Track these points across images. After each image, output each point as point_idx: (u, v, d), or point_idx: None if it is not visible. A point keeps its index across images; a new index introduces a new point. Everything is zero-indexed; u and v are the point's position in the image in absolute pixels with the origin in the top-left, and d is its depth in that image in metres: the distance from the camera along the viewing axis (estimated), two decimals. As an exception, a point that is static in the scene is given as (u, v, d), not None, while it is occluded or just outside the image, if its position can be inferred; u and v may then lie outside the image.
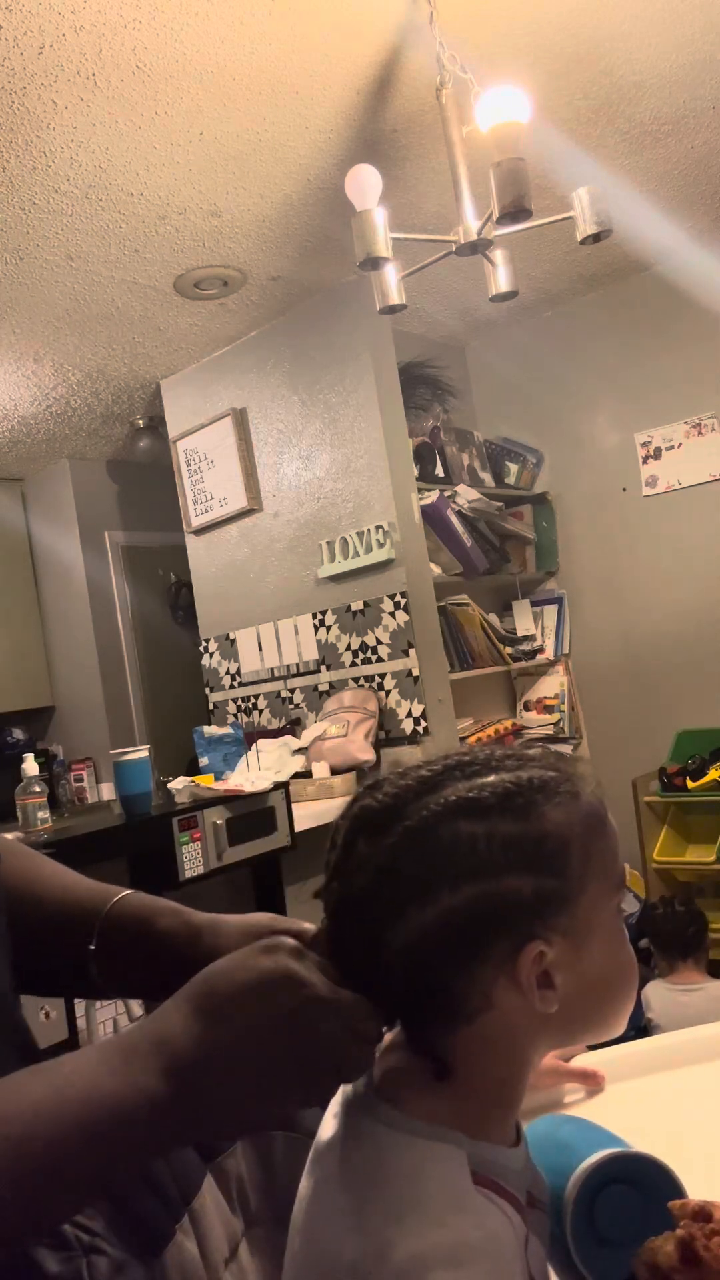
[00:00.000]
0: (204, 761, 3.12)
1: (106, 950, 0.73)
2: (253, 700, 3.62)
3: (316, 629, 3.37)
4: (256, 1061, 0.54)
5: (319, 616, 3.36)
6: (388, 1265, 0.52)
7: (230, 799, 2.39)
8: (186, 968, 0.60)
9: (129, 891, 0.77)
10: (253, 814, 2.41)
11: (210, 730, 3.17)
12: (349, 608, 3.26)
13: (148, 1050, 0.53)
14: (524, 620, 3.81)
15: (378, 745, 3.10)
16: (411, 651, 3.10)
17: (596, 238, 1.84)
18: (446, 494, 3.34)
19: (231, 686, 3.69)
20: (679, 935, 2.79)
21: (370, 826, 0.60)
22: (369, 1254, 0.53)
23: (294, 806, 2.58)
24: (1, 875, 0.75)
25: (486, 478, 3.69)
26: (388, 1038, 0.64)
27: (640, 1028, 2.77)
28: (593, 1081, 0.94)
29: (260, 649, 3.57)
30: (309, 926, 0.68)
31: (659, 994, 2.74)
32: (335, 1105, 0.62)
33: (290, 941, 0.59)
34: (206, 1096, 0.53)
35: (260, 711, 3.59)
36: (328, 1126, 0.62)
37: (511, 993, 0.58)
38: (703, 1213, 0.60)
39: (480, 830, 0.57)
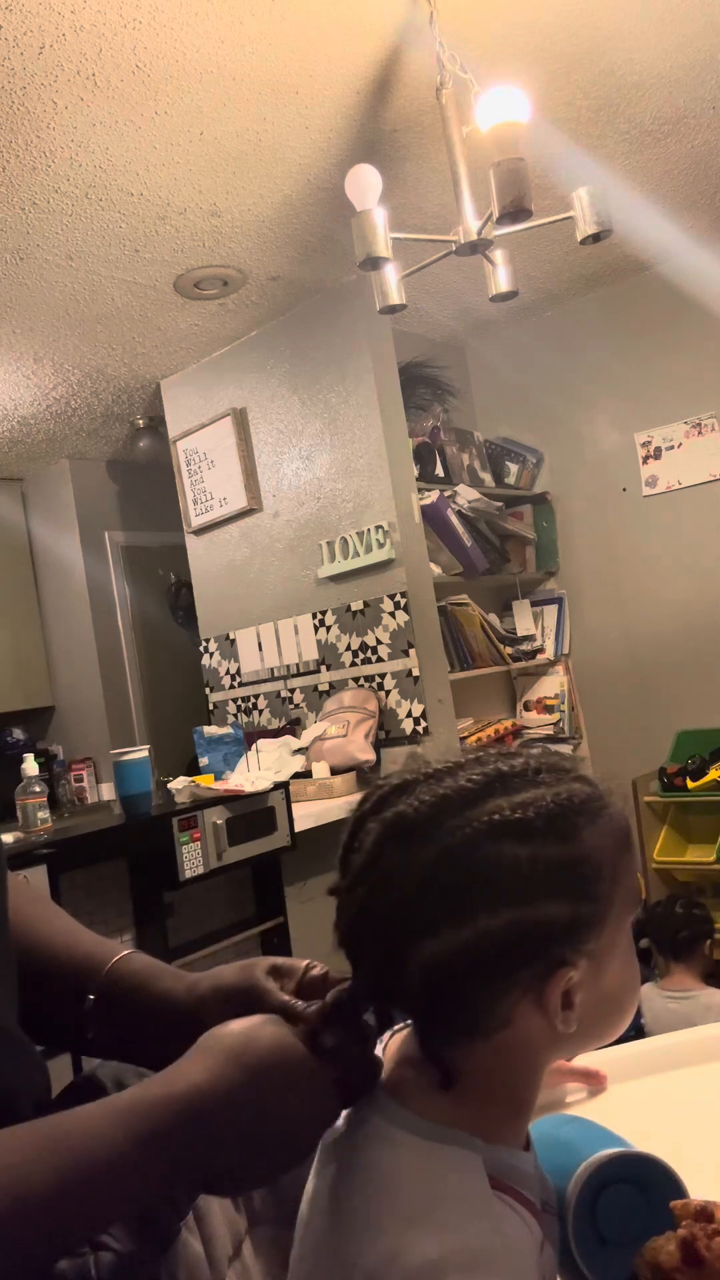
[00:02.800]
0: (204, 761, 3.12)
1: (104, 1007, 0.73)
2: (253, 700, 3.62)
3: (316, 629, 3.37)
4: (265, 1114, 0.57)
5: (319, 616, 3.36)
6: (402, 1269, 0.51)
7: (230, 799, 2.39)
8: (185, 1031, 0.61)
9: (131, 950, 0.76)
10: (253, 814, 2.41)
11: (210, 730, 3.17)
12: (349, 608, 3.27)
13: (162, 1104, 0.56)
14: (524, 620, 3.81)
15: (378, 745, 3.10)
16: (411, 651, 3.10)
17: (596, 238, 1.84)
18: (446, 494, 3.34)
19: (231, 686, 3.69)
20: (669, 937, 2.76)
21: (406, 835, 0.58)
22: (382, 1256, 0.53)
23: (294, 806, 2.58)
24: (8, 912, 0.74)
25: (486, 478, 3.69)
26: (399, 1036, 0.64)
27: (640, 1027, 2.75)
28: (595, 1081, 0.94)
29: (260, 649, 3.57)
30: (301, 964, 0.70)
31: (651, 999, 2.71)
32: None
33: (285, 1021, 0.62)
34: (217, 1144, 0.56)
35: (260, 711, 3.59)
36: (337, 1124, 0.62)
37: (533, 1013, 0.58)
38: (704, 1212, 0.60)
39: (524, 854, 0.56)
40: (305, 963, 0.71)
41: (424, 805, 0.59)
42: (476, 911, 0.55)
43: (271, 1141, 0.57)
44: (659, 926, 2.79)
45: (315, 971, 0.70)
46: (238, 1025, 0.60)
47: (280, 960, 0.72)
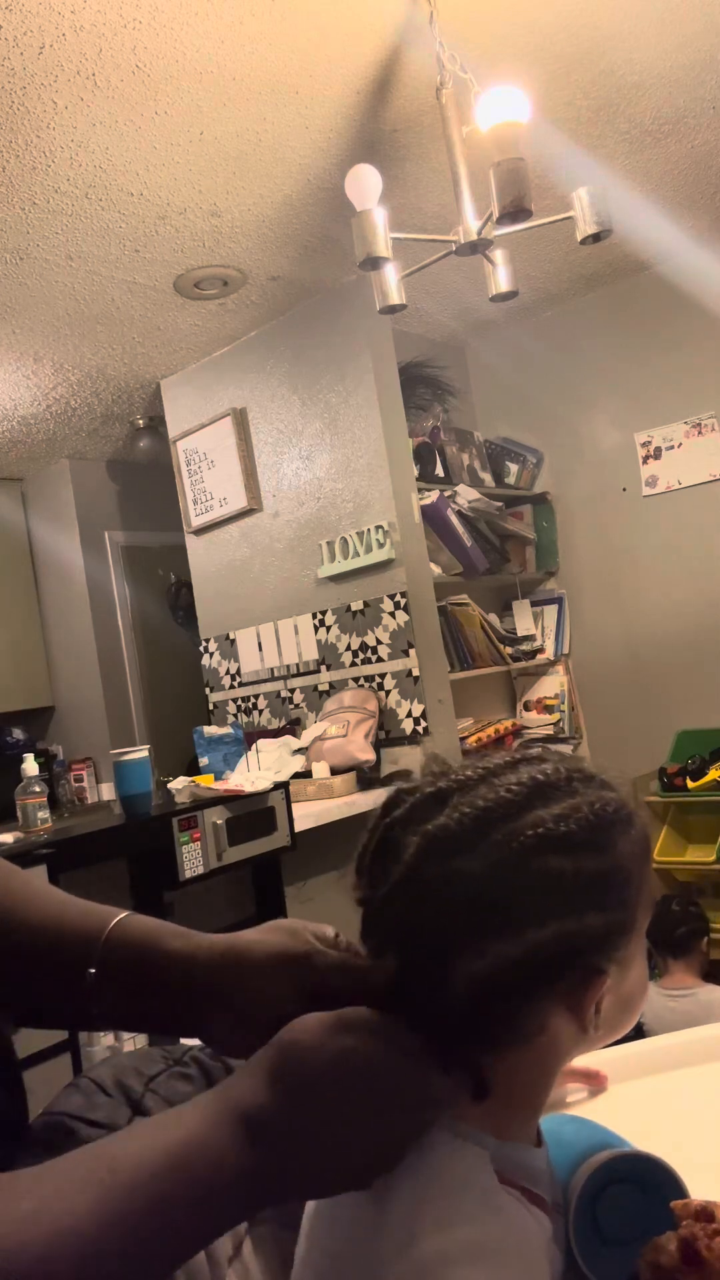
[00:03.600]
0: (204, 761, 3.12)
1: (107, 977, 0.66)
2: (253, 700, 3.62)
3: (316, 629, 3.37)
4: (338, 1136, 0.54)
5: (319, 616, 3.36)
6: (410, 1258, 0.52)
7: (230, 799, 2.39)
8: (200, 995, 0.59)
9: (128, 913, 0.70)
10: (253, 814, 2.41)
11: (210, 730, 3.17)
12: (349, 608, 3.26)
13: (231, 1123, 0.53)
14: (524, 620, 3.81)
15: (378, 745, 3.10)
16: (411, 651, 3.10)
17: (596, 238, 1.84)
18: (446, 494, 3.34)
19: (231, 686, 3.69)
20: (667, 936, 2.76)
21: (449, 848, 0.58)
22: (390, 1244, 0.53)
23: (294, 806, 2.58)
24: None
25: (486, 478, 3.69)
26: None
27: (640, 1027, 2.75)
28: (596, 1082, 0.94)
29: (260, 649, 3.57)
30: (329, 930, 0.67)
31: (651, 998, 2.71)
32: None
33: (366, 1015, 0.57)
34: (290, 1165, 0.53)
35: (260, 711, 3.59)
36: None
37: (566, 1018, 0.59)
38: (705, 1213, 0.60)
39: (569, 867, 0.57)
40: (334, 932, 0.68)
41: (467, 818, 0.59)
42: (525, 924, 0.56)
43: (356, 1160, 0.55)
44: (656, 926, 2.79)
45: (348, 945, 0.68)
46: (319, 1042, 0.56)
47: (312, 926, 0.68)
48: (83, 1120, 0.70)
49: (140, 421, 4.15)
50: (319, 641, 3.37)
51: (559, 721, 3.71)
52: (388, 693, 3.16)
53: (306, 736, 3.16)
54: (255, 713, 3.61)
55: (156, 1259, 0.51)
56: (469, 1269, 0.51)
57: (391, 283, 2.01)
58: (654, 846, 0.68)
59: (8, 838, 2.18)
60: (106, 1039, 2.11)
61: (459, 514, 3.38)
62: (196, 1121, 0.54)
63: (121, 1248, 0.49)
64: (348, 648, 3.28)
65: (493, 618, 3.64)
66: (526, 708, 3.81)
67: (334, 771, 2.99)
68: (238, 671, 3.66)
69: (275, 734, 3.30)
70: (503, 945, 0.56)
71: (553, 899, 0.57)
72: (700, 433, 3.44)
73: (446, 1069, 0.59)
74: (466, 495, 3.40)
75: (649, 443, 3.56)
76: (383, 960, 0.60)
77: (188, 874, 2.22)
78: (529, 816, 0.58)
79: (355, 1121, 0.54)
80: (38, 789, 2.34)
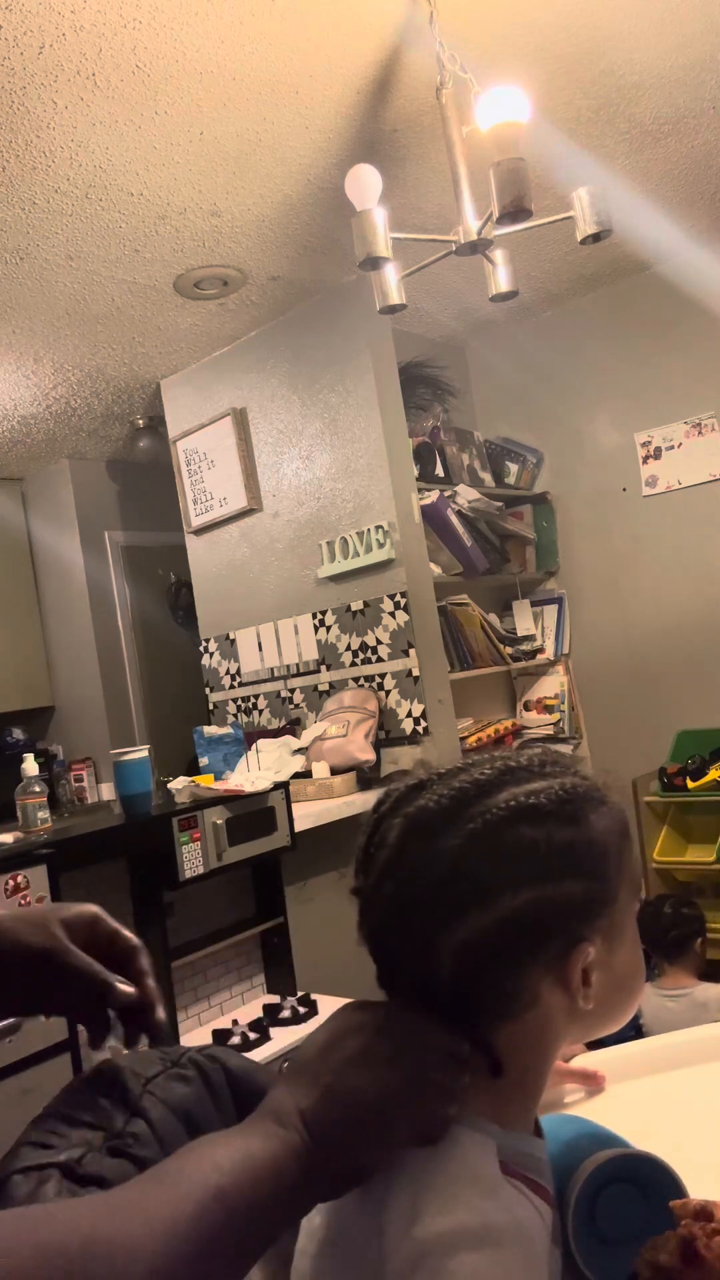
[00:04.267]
0: (204, 761, 3.12)
1: None
2: (253, 700, 3.62)
3: (316, 629, 3.37)
4: (372, 1100, 0.56)
5: (319, 616, 3.36)
6: (414, 1238, 0.53)
7: (230, 799, 2.39)
8: None
9: None
10: (253, 814, 2.41)
11: (210, 730, 3.17)
12: (349, 608, 3.26)
13: (278, 1127, 0.55)
14: (524, 620, 3.81)
15: (378, 745, 3.10)
16: (411, 651, 3.10)
17: (596, 238, 1.84)
18: (446, 494, 3.34)
19: (231, 686, 3.69)
20: (661, 938, 2.77)
21: (429, 828, 0.62)
22: (395, 1229, 0.54)
23: (294, 806, 2.58)
24: None
25: (486, 478, 3.69)
26: None
27: (639, 1027, 2.76)
28: (593, 1082, 0.94)
29: (260, 649, 3.57)
30: (89, 912, 0.72)
31: (648, 998, 2.72)
32: None
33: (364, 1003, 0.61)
34: (336, 1141, 0.55)
35: (260, 711, 3.59)
36: None
37: (556, 990, 0.61)
38: (704, 1212, 0.60)
39: (541, 835, 0.60)
40: (97, 917, 0.72)
41: (443, 799, 0.62)
42: (501, 893, 0.59)
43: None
44: (650, 927, 2.80)
45: (131, 941, 0.72)
46: (324, 1038, 0.60)
47: (70, 912, 0.70)
48: (80, 1122, 0.70)
49: (140, 421, 4.15)
50: (319, 641, 3.37)
51: (559, 721, 3.71)
52: (388, 693, 3.16)
53: (306, 736, 3.16)
54: (255, 713, 3.61)
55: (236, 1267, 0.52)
56: (471, 1254, 0.52)
57: (391, 283, 2.01)
58: (632, 830, 0.71)
59: (8, 838, 2.18)
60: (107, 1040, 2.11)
61: (459, 514, 3.38)
62: (247, 1137, 0.55)
63: (202, 1260, 0.49)
64: (348, 648, 3.28)
65: (493, 618, 3.64)
66: (526, 708, 3.81)
67: (334, 771, 2.99)
68: (238, 671, 3.66)
69: (275, 734, 3.30)
70: (482, 914, 0.58)
71: (527, 866, 0.59)
72: (700, 433, 3.44)
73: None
74: (466, 495, 3.40)
75: (649, 443, 3.56)
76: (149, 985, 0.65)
77: (188, 874, 2.22)
78: (502, 794, 0.61)
79: (382, 1078, 0.56)
80: (38, 789, 2.34)
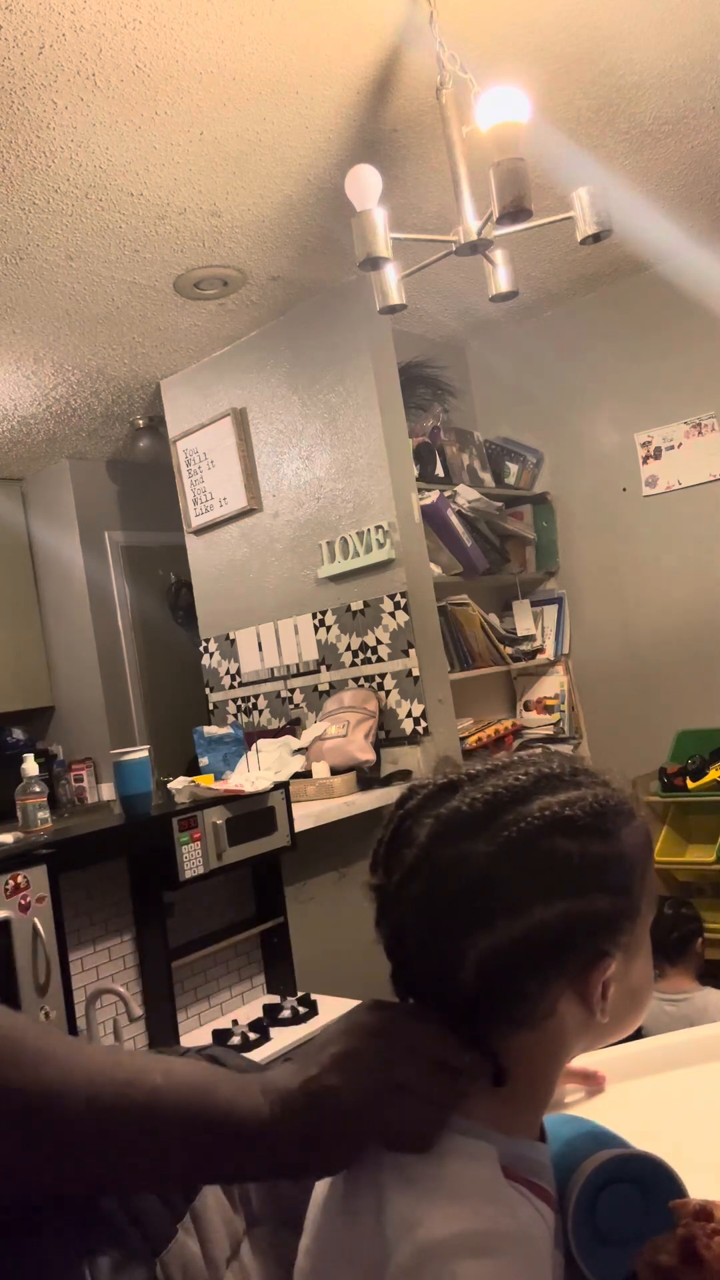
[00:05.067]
0: (204, 761, 3.12)
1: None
2: (253, 700, 3.62)
3: (316, 629, 3.37)
4: (353, 1082, 0.58)
5: (319, 616, 3.36)
6: (416, 1242, 0.53)
7: (230, 799, 2.38)
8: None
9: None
10: (253, 814, 2.41)
11: (210, 730, 3.16)
12: (349, 608, 3.26)
13: (258, 1087, 0.59)
14: (524, 620, 3.81)
15: (378, 745, 3.10)
16: (411, 651, 3.10)
17: (596, 238, 1.84)
18: (446, 494, 3.34)
19: (231, 686, 3.69)
20: (662, 940, 2.75)
21: (461, 830, 0.61)
22: (394, 1225, 0.54)
23: (294, 806, 2.57)
24: None
25: (486, 478, 3.69)
26: None
27: (639, 1029, 2.75)
28: (594, 1082, 0.94)
29: (260, 649, 3.57)
30: None
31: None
32: None
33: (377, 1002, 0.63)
34: (299, 1131, 0.57)
35: (260, 711, 3.59)
36: None
37: (574, 1002, 0.61)
38: (704, 1212, 0.60)
39: (575, 848, 0.59)
40: None
41: (477, 802, 0.61)
42: (532, 904, 0.58)
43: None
44: (651, 930, 2.79)
45: None
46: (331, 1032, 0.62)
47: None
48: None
49: (140, 421, 4.15)
50: (319, 641, 3.37)
51: (559, 721, 3.71)
52: (388, 693, 3.16)
53: (306, 736, 3.16)
54: (255, 713, 3.61)
55: (141, 1168, 0.57)
56: (470, 1261, 0.52)
57: (391, 283, 2.01)
58: (654, 844, 0.71)
59: (8, 838, 2.18)
60: (106, 1040, 2.11)
61: (459, 514, 3.37)
62: (224, 1080, 0.59)
63: (116, 1130, 0.55)
64: (348, 648, 3.28)
65: (493, 618, 3.64)
66: (526, 708, 3.81)
67: (334, 771, 2.99)
68: (238, 671, 3.66)
69: (275, 734, 3.30)
70: (511, 923, 0.58)
71: (560, 879, 0.59)
72: (700, 433, 3.44)
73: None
74: (466, 495, 3.40)
75: (649, 443, 3.56)
76: None
77: (188, 874, 2.22)
78: (536, 802, 0.61)
79: (360, 1085, 0.58)
80: (38, 789, 2.34)
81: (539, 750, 0.69)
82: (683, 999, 2.66)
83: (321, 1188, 0.63)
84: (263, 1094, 0.58)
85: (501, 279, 2.05)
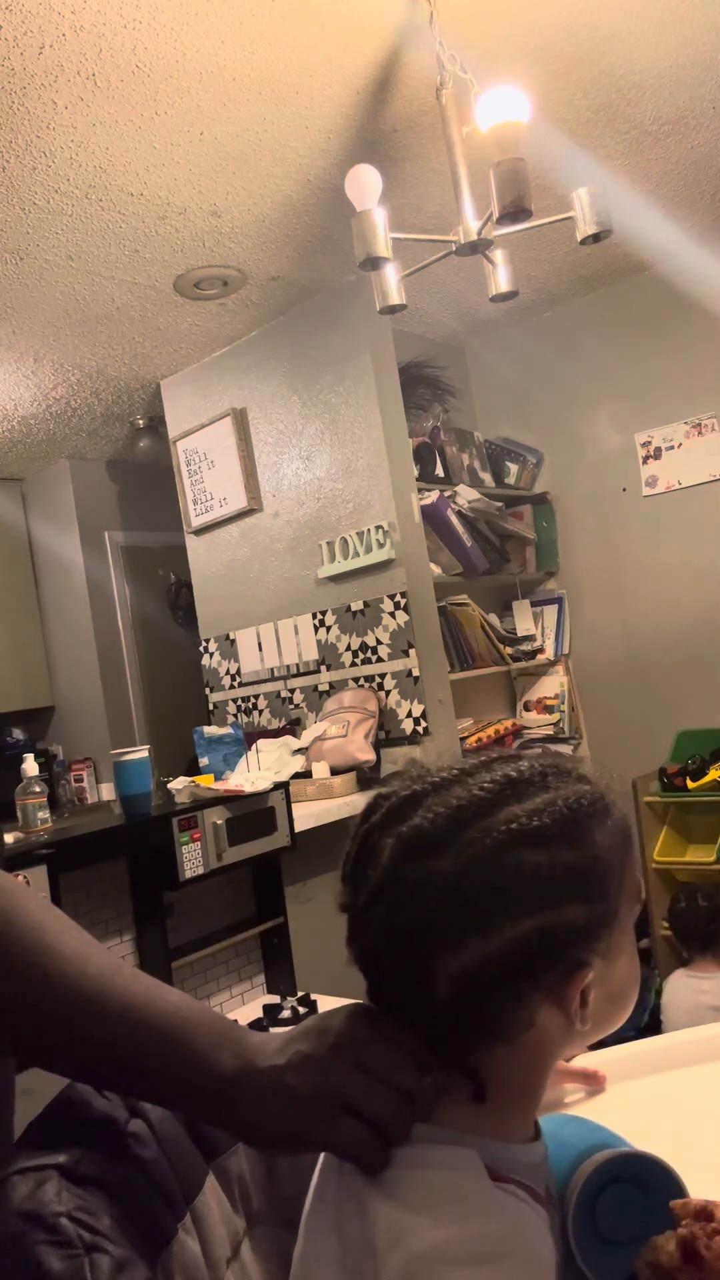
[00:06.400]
0: (204, 761, 3.12)
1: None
2: (253, 700, 3.62)
3: (316, 629, 3.37)
4: (301, 1081, 0.59)
5: (319, 616, 3.36)
6: (403, 1252, 0.52)
7: (230, 799, 2.38)
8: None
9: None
10: (253, 814, 2.41)
11: (210, 730, 3.16)
12: (349, 608, 3.26)
13: (232, 1045, 0.62)
14: (524, 620, 3.81)
15: (378, 745, 3.10)
16: (411, 651, 3.10)
17: (596, 238, 1.84)
18: (446, 494, 3.34)
19: (231, 686, 3.69)
20: (700, 928, 2.87)
21: (424, 849, 0.59)
22: (383, 1236, 0.53)
23: (294, 806, 2.58)
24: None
25: (486, 478, 3.69)
26: None
27: (640, 1028, 2.77)
28: (594, 1082, 0.94)
29: (260, 649, 3.57)
30: None
31: (677, 982, 2.80)
32: None
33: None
34: (246, 1114, 0.60)
35: (260, 711, 3.59)
36: None
37: (553, 1012, 0.59)
38: (704, 1212, 0.60)
39: (543, 860, 0.57)
40: None
41: (440, 818, 0.59)
42: (502, 921, 0.56)
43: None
44: (687, 919, 2.86)
45: None
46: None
47: None
48: (80, 1123, 0.69)
49: (140, 421, 4.15)
50: (319, 641, 3.37)
51: (559, 721, 3.70)
52: (388, 693, 3.16)
53: (306, 736, 3.15)
54: (255, 713, 3.61)
55: (88, 1066, 0.64)
56: (463, 1270, 0.51)
57: (391, 283, 2.01)
58: (635, 836, 0.69)
59: (8, 838, 2.18)
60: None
61: (459, 514, 3.37)
62: (216, 1040, 0.62)
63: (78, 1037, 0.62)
64: (348, 648, 3.28)
65: (493, 618, 3.64)
66: (526, 708, 3.81)
67: (334, 772, 2.99)
68: (238, 671, 3.65)
69: (275, 734, 3.30)
70: (482, 942, 0.56)
71: (529, 893, 0.57)
72: (700, 433, 3.43)
73: (442, 1071, 0.59)
74: (466, 495, 3.40)
75: (649, 443, 3.55)
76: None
77: (188, 874, 2.22)
78: (502, 813, 0.58)
79: (301, 1100, 0.59)
80: (38, 789, 2.34)
81: (513, 750, 0.67)
82: (709, 978, 2.76)
83: (312, 1191, 0.63)
84: (233, 1057, 0.61)
85: (501, 279, 2.05)
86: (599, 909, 0.59)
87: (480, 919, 0.56)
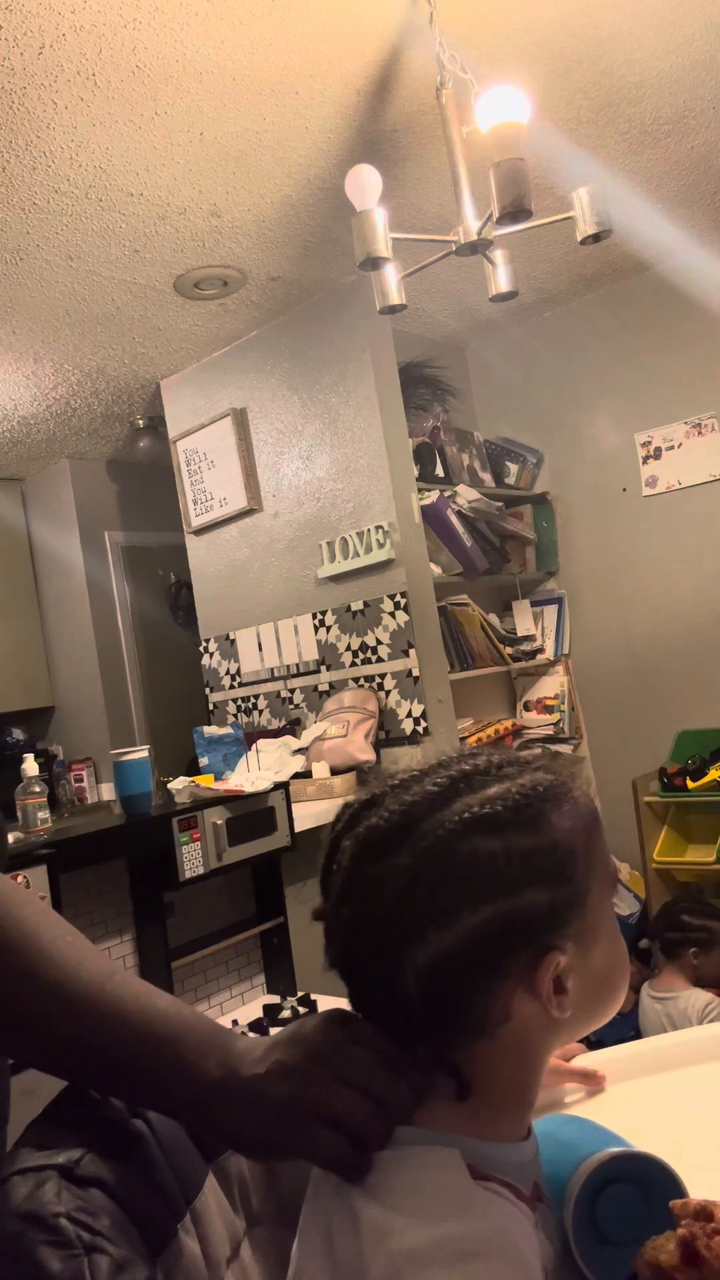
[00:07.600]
0: (204, 761, 3.12)
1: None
2: (253, 700, 3.62)
3: (316, 629, 3.37)
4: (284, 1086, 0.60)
5: (319, 616, 3.36)
6: (386, 1252, 0.52)
7: (230, 799, 2.38)
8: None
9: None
10: (253, 814, 2.41)
11: (210, 730, 3.17)
12: (349, 608, 3.26)
13: (216, 1054, 0.62)
14: (524, 620, 3.81)
15: (378, 745, 3.10)
16: (411, 651, 3.10)
17: (596, 238, 1.84)
18: (446, 494, 3.34)
19: (231, 686, 3.69)
20: (657, 936, 2.83)
21: (380, 847, 0.59)
22: (368, 1237, 0.53)
23: (294, 806, 2.58)
24: None
25: (486, 478, 3.69)
26: None
27: (639, 1027, 2.77)
28: (593, 1082, 0.94)
29: (260, 649, 3.57)
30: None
31: (644, 999, 2.77)
32: None
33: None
34: (223, 1120, 0.61)
35: (260, 711, 3.59)
36: None
37: (528, 1002, 0.58)
38: (704, 1212, 0.60)
39: (498, 847, 0.57)
40: None
41: (394, 815, 0.60)
42: (459, 910, 0.56)
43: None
44: (654, 923, 2.85)
45: None
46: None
47: None
48: (79, 1124, 0.69)
49: (140, 421, 4.15)
50: (319, 641, 3.37)
51: (559, 721, 3.70)
52: (388, 693, 3.16)
53: (306, 736, 3.16)
54: (255, 713, 3.61)
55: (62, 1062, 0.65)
56: (444, 1271, 0.51)
57: (391, 283, 2.01)
58: (601, 821, 0.67)
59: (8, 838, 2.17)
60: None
61: (459, 514, 3.37)
62: (202, 1048, 0.62)
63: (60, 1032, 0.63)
64: (348, 648, 3.28)
65: (493, 618, 3.64)
66: (526, 708, 3.81)
67: (334, 772, 2.99)
68: (238, 671, 3.66)
69: (275, 734, 3.30)
70: (443, 934, 0.56)
71: (486, 881, 0.57)
72: (700, 433, 3.44)
73: (423, 1070, 0.59)
74: (466, 495, 3.40)
75: (649, 443, 3.55)
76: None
77: (188, 874, 2.22)
78: (455, 805, 0.59)
79: (277, 1109, 0.59)
80: (38, 789, 2.34)
81: (471, 748, 0.67)
82: (669, 997, 2.70)
83: (308, 1192, 0.63)
84: (219, 1065, 0.61)
85: (501, 279, 2.05)
86: (564, 892, 0.59)
87: (439, 910, 0.57)
